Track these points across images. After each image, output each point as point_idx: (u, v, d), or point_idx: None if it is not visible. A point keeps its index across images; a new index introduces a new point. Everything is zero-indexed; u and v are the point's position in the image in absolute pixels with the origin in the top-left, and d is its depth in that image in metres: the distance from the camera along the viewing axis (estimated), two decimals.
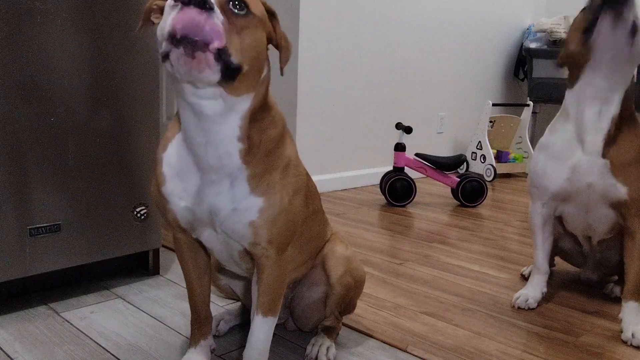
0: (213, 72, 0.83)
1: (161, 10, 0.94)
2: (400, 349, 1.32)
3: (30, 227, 1.40)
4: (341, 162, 3.14)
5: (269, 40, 0.94)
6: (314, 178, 2.94)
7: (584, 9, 1.35)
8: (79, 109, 1.45)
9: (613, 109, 1.37)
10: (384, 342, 1.35)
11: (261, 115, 0.96)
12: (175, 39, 0.80)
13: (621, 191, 1.40)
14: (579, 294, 1.71)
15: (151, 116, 1.59)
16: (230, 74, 0.85)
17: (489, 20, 3.91)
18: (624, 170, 1.39)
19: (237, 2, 0.85)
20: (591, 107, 1.38)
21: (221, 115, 0.91)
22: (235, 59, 0.84)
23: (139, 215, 1.59)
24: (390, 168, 3.32)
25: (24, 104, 1.35)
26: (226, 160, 0.94)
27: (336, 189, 3.11)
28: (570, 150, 1.43)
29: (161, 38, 0.83)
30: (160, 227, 1.66)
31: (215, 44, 0.81)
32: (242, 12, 0.85)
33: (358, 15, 3.05)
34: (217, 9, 0.82)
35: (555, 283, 1.78)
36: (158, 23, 0.93)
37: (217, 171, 0.95)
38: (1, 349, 1.24)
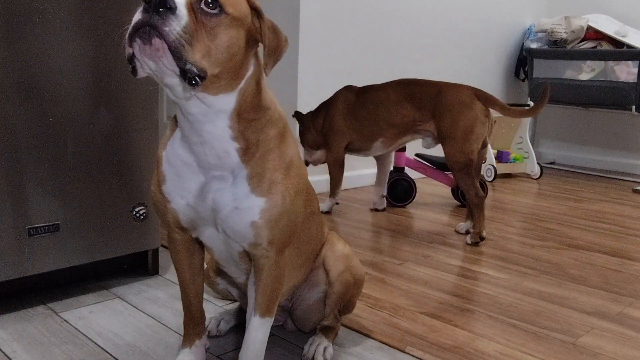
0: (170, 64, 0.81)
1: None
2: (399, 350, 1.32)
3: (28, 226, 1.40)
4: None
5: (255, 39, 0.92)
6: (314, 178, 2.94)
7: None
8: (79, 109, 1.44)
9: None
10: (383, 343, 1.34)
11: (255, 115, 0.96)
12: (134, 32, 0.80)
13: None
14: (578, 294, 1.70)
15: (151, 116, 1.58)
16: (190, 80, 0.83)
17: (489, 20, 3.91)
18: None
19: (209, 1, 0.83)
20: None
21: (206, 115, 0.91)
22: (198, 64, 0.82)
23: (138, 215, 1.59)
24: (391, 168, 3.31)
25: (24, 104, 1.35)
26: (225, 158, 0.95)
27: None
28: None
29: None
30: (160, 227, 1.66)
31: (172, 33, 0.79)
32: (215, 11, 0.84)
33: (358, 15, 3.05)
34: (182, 8, 0.81)
35: (554, 283, 1.78)
36: None
37: (219, 168, 0.96)
38: None
